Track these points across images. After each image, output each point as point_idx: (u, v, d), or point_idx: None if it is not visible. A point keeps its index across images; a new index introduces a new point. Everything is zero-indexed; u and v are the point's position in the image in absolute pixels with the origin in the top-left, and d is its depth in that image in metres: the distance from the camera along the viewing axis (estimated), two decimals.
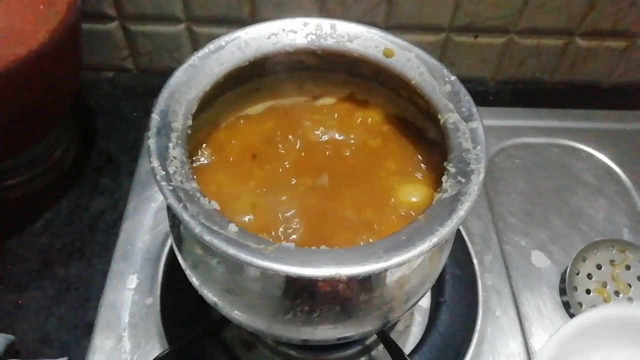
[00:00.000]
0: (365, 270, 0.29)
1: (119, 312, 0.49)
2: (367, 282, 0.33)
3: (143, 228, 0.54)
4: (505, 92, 0.77)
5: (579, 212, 0.60)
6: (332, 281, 0.32)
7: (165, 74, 0.72)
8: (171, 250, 0.52)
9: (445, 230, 0.31)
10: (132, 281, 0.51)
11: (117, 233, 0.56)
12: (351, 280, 0.31)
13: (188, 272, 0.37)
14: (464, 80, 0.75)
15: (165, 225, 0.54)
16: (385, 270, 0.29)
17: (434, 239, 0.31)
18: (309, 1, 0.66)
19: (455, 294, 0.49)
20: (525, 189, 0.61)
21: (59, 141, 0.64)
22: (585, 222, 0.59)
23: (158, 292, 0.49)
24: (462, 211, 0.32)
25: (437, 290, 0.49)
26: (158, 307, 0.48)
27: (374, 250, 0.30)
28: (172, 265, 0.51)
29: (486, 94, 0.76)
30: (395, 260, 0.29)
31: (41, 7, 0.51)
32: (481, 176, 0.34)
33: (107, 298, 0.50)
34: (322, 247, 0.31)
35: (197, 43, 0.71)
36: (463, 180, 0.34)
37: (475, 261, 0.53)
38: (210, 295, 0.36)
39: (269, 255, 0.29)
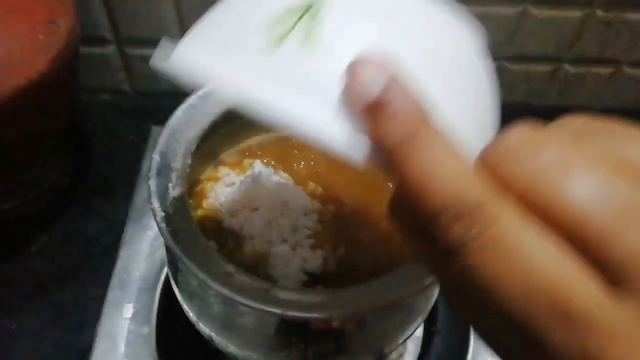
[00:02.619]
0: (358, 311, 0.30)
1: (115, 342, 0.49)
2: (361, 321, 0.34)
3: (139, 256, 0.54)
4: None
5: None
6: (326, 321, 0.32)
7: (161, 96, 0.75)
8: (167, 279, 0.52)
9: None
10: (128, 310, 0.51)
11: (113, 257, 0.56)
12: (345, 319, 0.32)
13: (185, 306, 0.38)
14: None
15: (161, 253, 0.55)
16: (379, 309, 0.30)
17: (428, 279, 0.31)
18: None
19: (448, 323, 0.50)
20: None
21: (54, 164, 0.64)
22: None
23: (154, 321, 0.50)
24: None
25: (430, 319, 0.50)
26: (154, 337, 0.49)
27: (367, 290, 0.31)
28: (168, 294, 0.51)
29: None
30: (389, 300, 0.30)
31: (41, 36, 0.51)
32: None
33: (103, 327, 0.50)
34: (318, 287, 0.32)
35: None
36: None
37: None
38: (206, 330, 0.37)
39: (265, 297, 0.30)
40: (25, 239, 0.59)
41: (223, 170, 0.43)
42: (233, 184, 0.41)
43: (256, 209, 0.39)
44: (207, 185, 0.42)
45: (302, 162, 0.44)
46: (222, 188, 0.41)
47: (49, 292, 0.55)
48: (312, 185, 0.42)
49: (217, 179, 0.42)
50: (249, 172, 0.42)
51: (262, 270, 0.36)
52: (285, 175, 0.43)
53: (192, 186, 0.41)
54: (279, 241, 0.38)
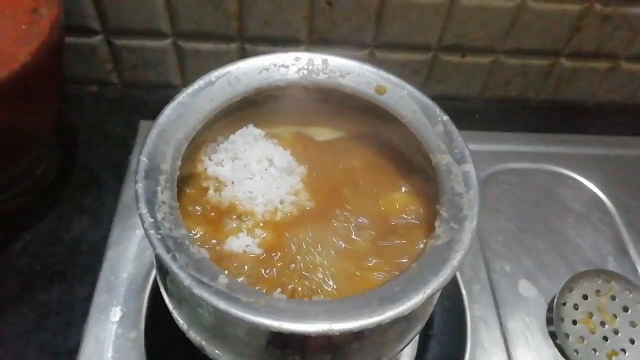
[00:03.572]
0: (357, 325, 0.29)
1: (102, 347, 0.47)
2: (359, 332, 0.32)
3: (127, 257, 0.53)
4: (491, 110, 0.77)
5: (565, 239, 0.60)
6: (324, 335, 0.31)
7: (150, 89, 0.73)
8: (155, 281, 0.51)
9: (439, 281, 0.31)
10: (116, 314, 0.50)
11: (100, 255, 0.54)
12: (343, 332, 0.31)
13: (175, 314, 0.37)
14: (451, 98, 0.77)
15: (150, 253, 0.53)
16: (379, 324, 0.29)
17: (427, 291, 0.30)
18: (297, 18, 0.66)
19: (444, 326, 0.49)
20: (512, 215, 0.61)
21: (40, 158, 0.63)
22: (572, 250, 0.59)
23: (142, 325, 0.48)
24: (455, 261, 0.32)
25: (426, 323, 0.49)
26: (142, 342, 0.47)
27: (367, 302, 0.30)
28: (156, 297, 0.50)
29: (472, 112, 0.77)
30: (389, 314, 0.29)
31: (23, 27, 0.49)
32: (474, 223, 0.34)
33: (89, 331, 0.48)
34: (315, 298, 0.30)
35: (183, 58, 0.70)
36: (456, 226, 0.34)
37: (464, 292, 0.53)
38: (197, 339, 0.36)
39: (260, 310, 0.29)
40: (9, 237, 0.58)
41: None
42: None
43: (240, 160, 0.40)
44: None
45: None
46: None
47: (34, 292, 0.54)
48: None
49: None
50: (239, 131, 0.42)
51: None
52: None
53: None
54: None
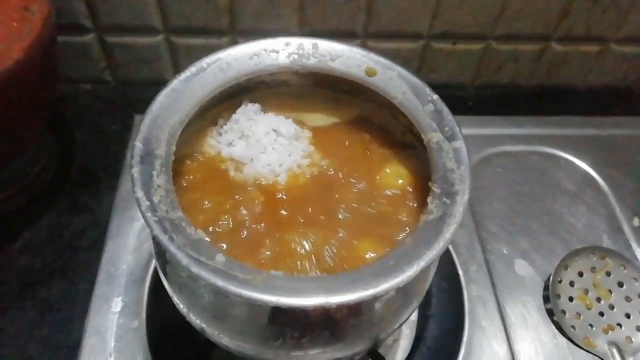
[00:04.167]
0: (354, 297, 0.29)
1: (105, 337, 0.48)
2: (356, 307, 0.33)
3: (126, 249, 0.53)
4: (484, 97, 0.78)
5: (560, 219, 0.61)
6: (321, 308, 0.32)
7: (144, 85, 0.73)
8: (156, 271, 0.51)
9: (432, 254, 0.31)
10: (117, 304, 0.50)
11: (100, 251, 0.55)
12: (340, 306, 0.31)
13: (175, 298, 0.37)
14: (444, 86, 0.77)
15: (149, 245, 0.53)
16: (374, 296, 0.29)
17: (421, 263, 0.31)
18: (288, 11, 0.66)
19: (442, 307, 0.50)
20: (507, 197, 0.62)
21: (37, 157, 0.63)
22: (566, 229, 0.60)
23: (144, 314, 0.49)
24: (448, 234, 0.32)
25: (424, 303, 0.50)
26: (144, 331, 0.48)
27: (362, 276, 0.30)
28: (157, 286, 0.50)
29: (465, 99, 0.77)
30: (384, 286, 0.30)
31: (15, 24, 0.49)
32: (466, 197, 0.34)
33: (91, 322, 0.49)
34: (312, 274, 0.31)
35: (176, 54, 0.71)
36: (448, 201, 0.34)
37: (460, 272, 0.53)
38: (198, 322, 0.36)
39: (258, 286, 0.29)
40: (9, 236, 0.58)
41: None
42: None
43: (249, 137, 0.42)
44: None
45: None
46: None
47: (35, 289, 0.54)
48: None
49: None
50: (239, 109, 0.43)
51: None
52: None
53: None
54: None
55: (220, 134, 0.43)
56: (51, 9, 0.52)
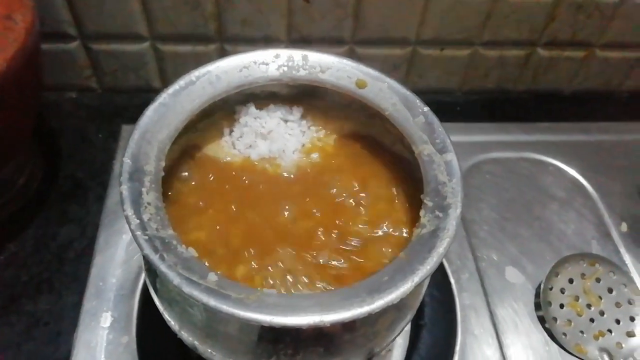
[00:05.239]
0: (349, 315, 0.29)
1: (94, 353, 0.47)
2: (350, 323, 0.33)
3: (115, 262, 0.53)
4: (471, 103, 0.78)
5: (550, 226, 0.61)
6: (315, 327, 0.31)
7: (131, 93, 0.72)
8: (145, 285, 0.51)
9: (426, 269, 0.31)
10: (106, 319, 0.49)
11: (87, 262, 0.54)
12: (335, 323, 0.31)
13: (166, 315, 0.36)
14: (432, 92, 0.77)
15: (137, 258, 0.53)
16: (369, 313, 0.29)
17: (415, 279, 0.31)
18: (275, 17, 0.66)
19: (434, 316, 0.50)
20: (496, 204, 0.62)
21: (22, 167, 0.62)
22: (556, 236, 0.60)
23: (134, 329, 0.48)
24: (441, 248, 0.32)
25: (417, 313, 0.50)
26: (134, 346, 0.47)
27: (356, 293, 0.30)
28: (147, 300, 0.49)
29: (453, 105, 0.77)
30: (379, 303, 0.29)
31: None
32: (458, 210, 0.34)
33: (80, 338, 0.48)
34: (305, 291, 0.31)
35: (162, 61, 0.70)
36: (441, 214, 0.34)
37: (452, 281, 0.54)
38: (189, 339, 0.36)
39: (251, 305, 0.29)
40: None
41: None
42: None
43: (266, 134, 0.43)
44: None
45: None
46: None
47: (22, 302, 0.53)
48: None
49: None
50: (243, 112, 0.44)
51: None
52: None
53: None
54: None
55: (233, 142, 0.44)
56: (34, 18, 0.51)
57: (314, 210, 0.39)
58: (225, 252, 0.36)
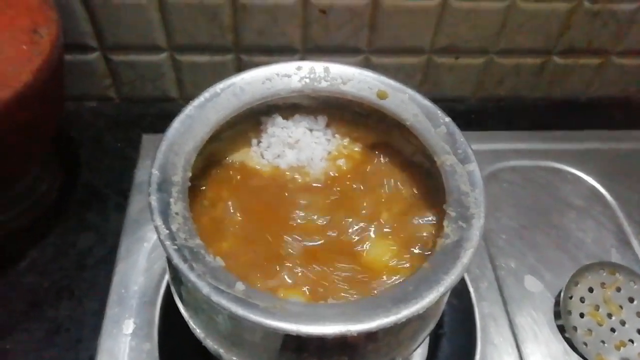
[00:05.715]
0: (375, 325, 0.29)
1: None
2: (375, 333, 0.33)
3: (137, 270, 0.53)
4: (486, 110, 0.78)
5: (568, 234, 0.61)
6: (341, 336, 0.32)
7: (148, 103, 0.73)
8: (167, 292, 0.51)
9: (450, 279, 0.31)
10: (129, 326, 0.50)
11: (107, 269, 0.55)
12: (360, 333, 0.31)
13: (191, 323, 0.37)
14: (446, 100, 0.78)
15: (159, 265, 0.53)
16: (395, 324, 0.30)
17: (440, 289, 0.31)
18: (291, 27, 0.66)
19: (454, 325, 0.50)
20: (514, 213, 0.62)
21: (42, 176, 0.63)
22: (575, 245, 0.60)
23: (156, 337, 0.49)
24: (465, 258, 0.32)
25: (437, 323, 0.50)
26: (156, 353, 0.48)
27: (381, 302, 0.30)
28: (169, 308, 0.50)
29: (468, 112, 0.78)
30: (405, 313, 0.30)
31: (24, 47, 0.49)
32: (482, 220, 0.34)
33: (103, 345, 0.49)
34: (330, 300, 0.31)
35: (180, 71, 0.71)
36: (464, 225, 0.34)
37: (471, 289, 0.54)
38: (214, 347, 0.36)
39: (277, 314, 0.29)
40: (15, 255, 0.58)
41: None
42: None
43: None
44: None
45: None
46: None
47: (43, 309, 0.54)
48: None
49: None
50: (269, 122, 0.45)
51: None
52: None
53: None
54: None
55: (261, 152, 0.44)
56: (59, 31, 0.52)
57: (342, 220, 0.40)
58: (254, 260, 0.37)
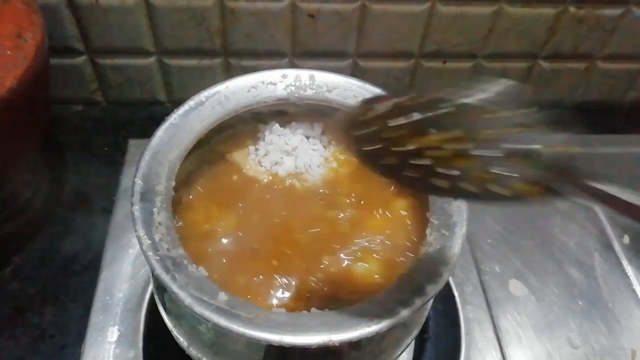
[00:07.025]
0: (357, 334, 0.29)
1: None
2: (358, 342, 0.33)
3: (121, 277, 0.53)
4: None
5: (552, 238, 0.61)
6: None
7: (136, 106, 0.73)
8: (152, 300, 0.51)
9: (433, 288, 0.32)
10: (113, 334, 0.49)
11: (93, 275, 0.54)
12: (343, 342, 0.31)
13: (174, 332, 0.37)
14: None
15: (144, 272, 0.53)
16: (377, 332, 0.30)
17: (423, 297, 0.31)
18: (280, 32, 0.66)
19: (439, 330, 0.50)
20: (499, 216, 0.63)
21: (28, 180, 0.62)
22: (558, 248, 0.60)
23: (140, 344, 0.48)
24: (448, 266, 0.33)
25: (421, 327, 0.50)
26: None
27: (364, 312, 0.31)
28: (153, 315, 0.50)
29: None
30: (387, 322, 0.30)
31: (8, 52, 0.49)
32: (464, 229, 0.35)
33: (87, 353, 0.48)
34: (313, 309, 0.31)
35: (168, 75, 0.71)
36: (447, 233, 0.34)
37: (456, 294, 0.54)
38: (198, 356, 0.36)
39: (261, 325, 0.29)
40: None
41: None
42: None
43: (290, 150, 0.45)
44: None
45: None
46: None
47: (27, 315, 0.53)
48: None
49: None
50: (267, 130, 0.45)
51: None
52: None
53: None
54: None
55: (259, 159, 0.45)
56: (44, 36, 0.51)
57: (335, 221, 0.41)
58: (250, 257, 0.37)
